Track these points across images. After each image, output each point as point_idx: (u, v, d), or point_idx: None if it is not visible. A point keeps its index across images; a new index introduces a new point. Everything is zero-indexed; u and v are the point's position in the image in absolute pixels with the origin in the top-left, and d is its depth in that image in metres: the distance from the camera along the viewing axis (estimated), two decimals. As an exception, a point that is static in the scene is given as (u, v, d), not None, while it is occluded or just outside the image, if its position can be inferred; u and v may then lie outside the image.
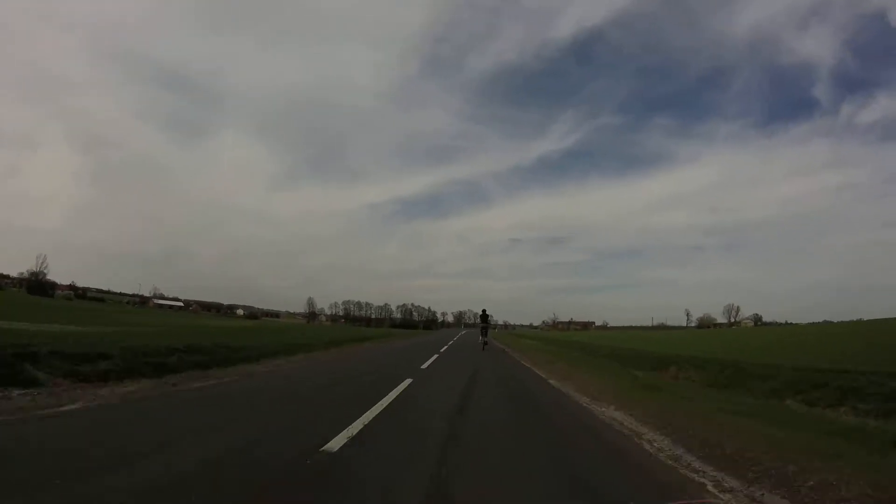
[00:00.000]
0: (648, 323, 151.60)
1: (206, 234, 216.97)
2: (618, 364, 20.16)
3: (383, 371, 12.23)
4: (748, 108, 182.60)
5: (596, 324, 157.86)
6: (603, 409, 8.09)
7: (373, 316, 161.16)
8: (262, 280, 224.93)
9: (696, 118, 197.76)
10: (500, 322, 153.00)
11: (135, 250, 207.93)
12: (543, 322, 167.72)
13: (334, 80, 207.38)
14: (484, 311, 27.19)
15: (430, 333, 76.94)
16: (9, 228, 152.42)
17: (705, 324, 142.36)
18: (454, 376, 11.92)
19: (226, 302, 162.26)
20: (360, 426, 5.53)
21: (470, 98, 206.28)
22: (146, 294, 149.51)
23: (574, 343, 37.36)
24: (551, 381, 12.01)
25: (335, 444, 4.71)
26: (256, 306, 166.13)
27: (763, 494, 3.87)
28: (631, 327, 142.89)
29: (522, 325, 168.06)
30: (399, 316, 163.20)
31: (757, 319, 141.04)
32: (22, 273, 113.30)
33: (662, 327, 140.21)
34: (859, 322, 56.78)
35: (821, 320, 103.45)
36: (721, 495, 3.90)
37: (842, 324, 60.11)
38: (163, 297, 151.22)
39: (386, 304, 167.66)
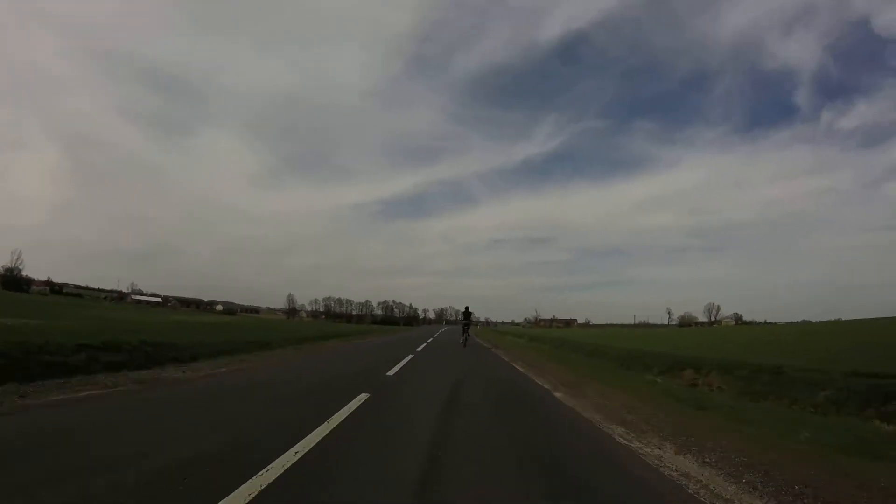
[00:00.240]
0: (630, 321, 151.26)
1: (190, 232, 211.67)
2: (619, 365, 17.45)
3: (336, 381, 9.09)
4: (731, 112, 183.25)
5: (578, 321, 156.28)
6: (657, 451, 5.06)
7: (354, 312, 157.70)
8: (245, 277, 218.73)
9: (679, 122, 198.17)
10: (482, 319, 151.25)
11: (118, 248, 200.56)
12: (525, 319, 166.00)
13: (320, 79, 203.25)
14: (467, 308, 27.21)
15: (408, 330, 73.83)
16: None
17: (686, 322, 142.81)
18: (430, 387, 8.92)
19: (205, 298, 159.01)
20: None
21: (455, 98, 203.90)
22: (125, 290, 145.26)
23: (561, 340, 34.58)
24: (557, 395, 8.99)
25: None
26: (237, 303, 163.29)
27: None
28: (612, 325, 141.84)
29: (504, 323, 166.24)
30: (380, 313, 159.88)
31: (737, 318, 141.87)
32: None
33: (644, 325, 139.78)
34: (838, 322, 56.25)
35: (799, 320, 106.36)
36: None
37: (821, 323, 59.06)
38: (141, 294, 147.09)
39: (367, 300, 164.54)
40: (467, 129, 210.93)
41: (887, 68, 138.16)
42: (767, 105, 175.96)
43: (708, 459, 4.67)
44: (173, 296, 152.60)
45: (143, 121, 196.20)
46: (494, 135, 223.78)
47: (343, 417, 5.56)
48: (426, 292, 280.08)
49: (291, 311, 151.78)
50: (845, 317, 70.88)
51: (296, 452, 4.07)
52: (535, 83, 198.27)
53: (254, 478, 3.36)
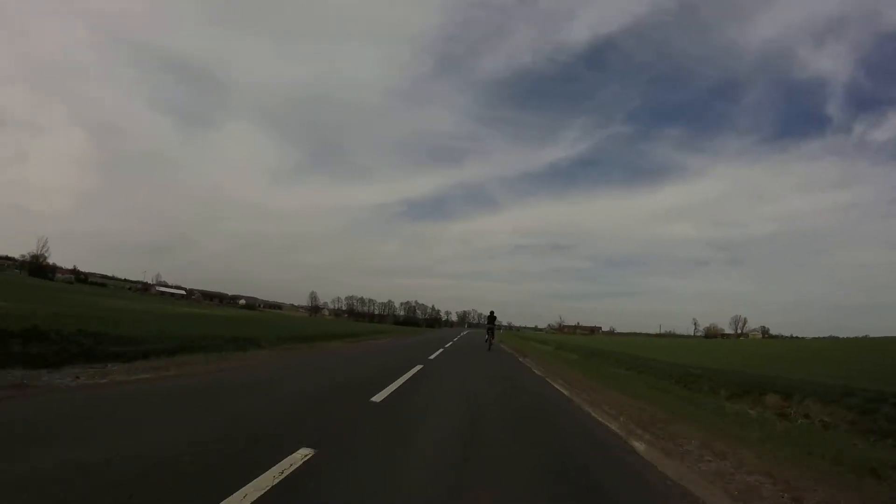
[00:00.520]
0: (654, 330, 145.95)
1: (214, 226, 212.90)
2: (674, 383, 13.93)
3: (302, 406, 5.88)
4: (759, 122, 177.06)
5: (602, 329, 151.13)
6: None
7: (376, 312, 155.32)
8: (268, 274, 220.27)
9: (706, 130, 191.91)
10: (505, 323, 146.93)
11: (145, 240, 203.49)
12: (549, 325, 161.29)
13: (342, 76, 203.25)
14: (492, 312, 26.93)
15: (429, 332, 70.41)
16: (17, 212, 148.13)
17: (712, 334, 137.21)
18: (435, 428, 5.55)
19: (230, 293, 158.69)
20: None
21: (479, 100, 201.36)
22: (149, 282, 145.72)
23: (591, 349, 30.89)
24: (638, 447, 5.45)
25: None
26: (260, 298, 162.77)
27: None
28: (637, 333, 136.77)
29: (526, 328, 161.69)
30: (402, 313, 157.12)
31: (764, 332, 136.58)
32: (24, 256, 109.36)
33: (670, 335, 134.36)
34: (866, 338, 52.60)
35: (826, 335, 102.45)
36: None
37: (849, 340, 56.24)
38: (165, 285, 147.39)
39: (389, 300, 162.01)
40: (491, 131, 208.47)
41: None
42: (797, 115, 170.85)
43: None
44: (198, 289, 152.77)
45: (168, 113, 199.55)
46: (518, 138, 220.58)
47: None
48: (448, 294, 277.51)
49: (314, 309, 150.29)
50: (872, 333, 66.44)
51: None
52: (561, 87, 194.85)
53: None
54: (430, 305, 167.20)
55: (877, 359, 20.92)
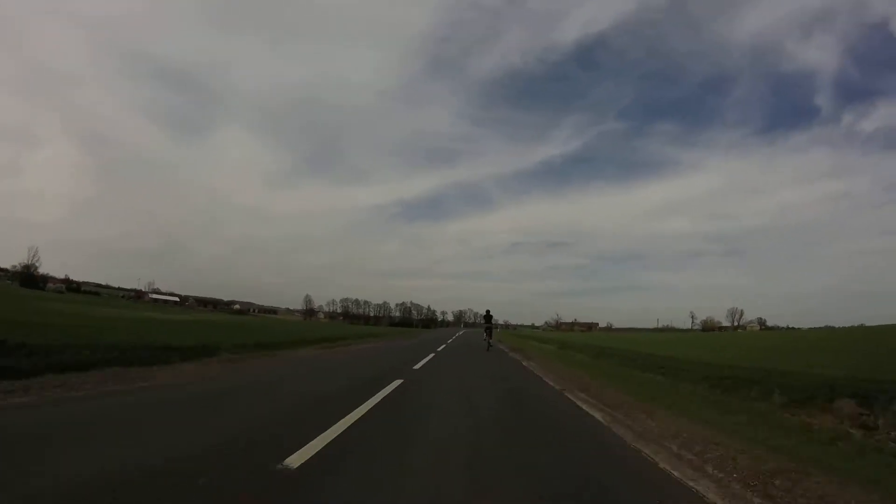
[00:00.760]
0: (651, 325, 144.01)
1: (209, 232, 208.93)
2: (710, 387, 11.13)
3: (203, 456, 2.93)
4: (750, 115, 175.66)
5: (599, 325, 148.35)
6: None
7: (371, 314, 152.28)
8: (264, 278, 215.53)
9: (698, 125, 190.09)
10: (501, 322, 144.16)
11: (140, 247, 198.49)
12: (546, 322, 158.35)
13: (336, 78, 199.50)
14: (488, 311, 27.01)
15: (424, 333, 67.24)
16: (12, 223, 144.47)
17: (709, 327, 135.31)
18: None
19: (225, 298, 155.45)
20: None
21: (473, 100, 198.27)
22: (143, 289, 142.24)
23: (599, 348, 27.98)
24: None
25: None
26: (257, 303, 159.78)
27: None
28: (635, 329, 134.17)
29: (523, 326, 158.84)
30: (398, 314, 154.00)
31: (762, 323, 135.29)
32: (15, 266, 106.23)
33: (668, 329, 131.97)
34: (862, 327, 51.76)
35: (821, 325, 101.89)
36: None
37: (844, 329, 55.54)
38: (158, 293, 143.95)
39: (385, 302, 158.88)
40: (485, 131, 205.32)
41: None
42: (786, 108, 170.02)
43: None
44: (192, 295, 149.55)
45: (159, 119, 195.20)
46: (512, 137, 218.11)
47: None
48: (444, 294, 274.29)
49: (309, 312, 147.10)
50: (868, 322, 65.51)
51: None
52: (553, 86, 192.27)
53: None
54: (425, 306, 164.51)
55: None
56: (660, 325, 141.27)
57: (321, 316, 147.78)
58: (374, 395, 7.11)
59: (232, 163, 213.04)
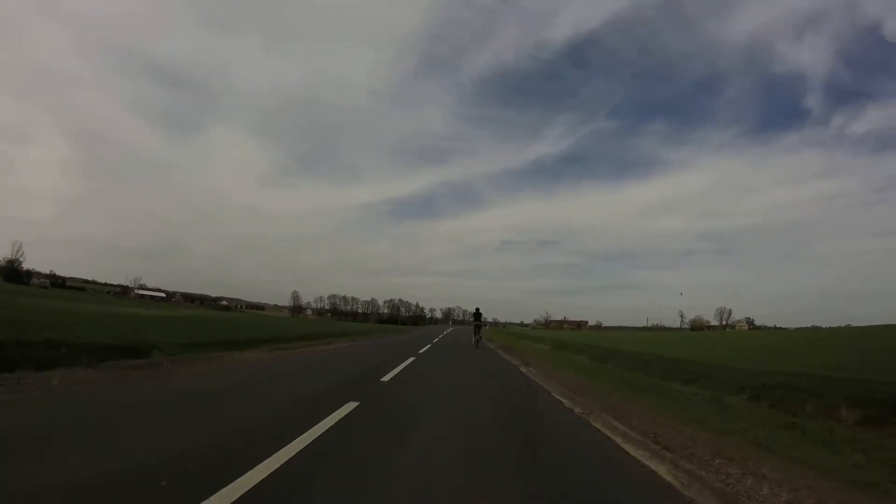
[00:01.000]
0: (640, 323, 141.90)
1: (200, 230, 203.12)
2: (749, 399, 8.75)
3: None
4: (741, 115, 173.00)
5: (589, 323, 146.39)
6: None
7: (359, 310, 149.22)
8: (253, 275, 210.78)
9: (689, 124, 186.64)
10: (490, 320, 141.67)
11: (129, 244, 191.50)
12: (535, 321, 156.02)
13: (329, 78, 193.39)
14: (477, 309, 27.21)
15: (412, 330, 64.38)
16: (4, 220, 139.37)
17: (698, 326, 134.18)
18: None
19: (213, 294, 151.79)
20: None
21: (465, 99, 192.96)
22: (130, 285, 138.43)
23: (603, 350, 25.46)
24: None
25: None
26: (245, 299, 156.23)
27: None
28: (624, 328, 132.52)
29: (513, 323, 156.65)
30: (386, 311, 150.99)
31: (750, 322, 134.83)
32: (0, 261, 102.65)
33: (657, 328, 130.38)
34: (848, 328, 52.09)
35: (808, 325, 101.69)
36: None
37: (830, 329, 55.80)
38: (145, 288, 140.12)
39: (373, 298, 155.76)
40: (477, 129, 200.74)
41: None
42: (778, 108, 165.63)
43: None
44: (181, 291, 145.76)
45: (154, 117, 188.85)
46: (504, 136, 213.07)
47: None
48: (433, 292, 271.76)
49: (297, 309, 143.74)
50: (854, 323, 65.59)
51: None
52: (546, 84, 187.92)
53: None
54: (414, 303, 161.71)
55: None
56: (649, 324, 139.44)
57: (309, 312, 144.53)
58: (294, 438, 4.33)
59: (224, 161, 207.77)
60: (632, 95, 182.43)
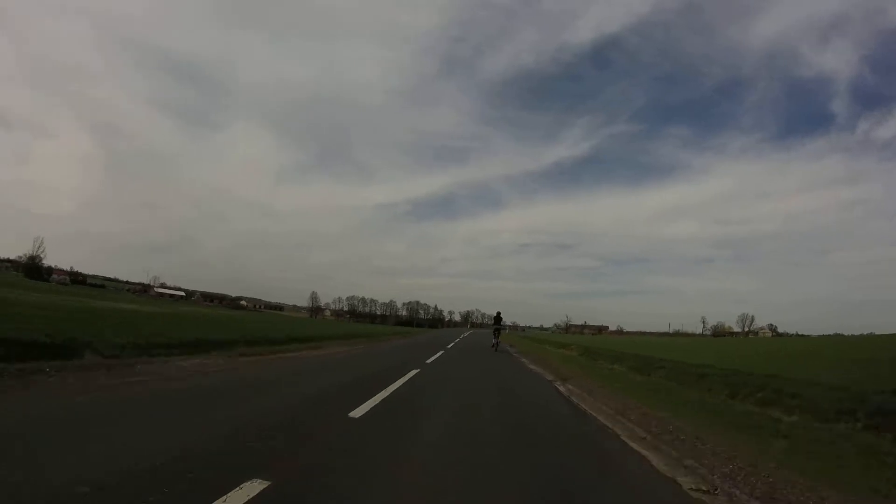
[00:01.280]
0: (661, 328, 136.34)
1: (218, 227, 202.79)
2: None
3: None
4: (764, 120, 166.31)
5: (610, 328, 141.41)
6: None
7: (378, 312, 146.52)
8: (272, 275, 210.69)
9: (710, 129, 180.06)
10: (510, 323, 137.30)
11: (151, 241, 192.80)
12: (555, 325, 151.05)
13: (346, 76, 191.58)
14: (498, 313, 26.64)
15: (428, 333, 60.87)
16: (23, 215, 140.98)
17: (720, 332, 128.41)
18: None
19: (232, 294, 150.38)
20: None
21: (484, 99, 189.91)
22: (150, 283, 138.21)
23: (620, 355, 21.86)
24: None
25: None
26: (264, 300, 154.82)
27: None
28: (645, 332, 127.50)
29: (532, 327, 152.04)
30: (405, 313, 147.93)
31: (773, 329, 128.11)
32: (20, 257, 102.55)
33: (680, 334, 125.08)
34: (872, 336, 47.00)
35: (831, 332, 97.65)
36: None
37: (854, 337, 51.07)
38: (165, 287, 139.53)
39: (391, 300, 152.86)
40: (495, 130, 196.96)
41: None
42: (802, 114, 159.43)
43: None
44: (200, 290, 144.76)
45: (173, 114, 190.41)
46: (522, 137, 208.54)
47: None
48: (451, 293, 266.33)
49: (315, 310, 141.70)
50: (877, 330, 61.13)
51: None
52: (565, 86, 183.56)
53: None
54: (432, 305, 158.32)
55: None
56: (670, 330, 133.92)
57: (327, 313, 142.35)
58: None
59: (242, 159, 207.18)
60: (652, 99, 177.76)
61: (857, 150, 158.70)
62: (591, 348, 29.41)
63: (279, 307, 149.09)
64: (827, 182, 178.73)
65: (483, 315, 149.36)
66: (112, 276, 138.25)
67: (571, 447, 5.31)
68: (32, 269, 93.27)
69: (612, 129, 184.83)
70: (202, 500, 2.70)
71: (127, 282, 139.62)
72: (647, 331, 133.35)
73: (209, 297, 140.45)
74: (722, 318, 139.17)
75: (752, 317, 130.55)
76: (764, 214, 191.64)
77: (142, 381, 6.84)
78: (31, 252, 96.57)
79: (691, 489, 3.92)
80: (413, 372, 10.38)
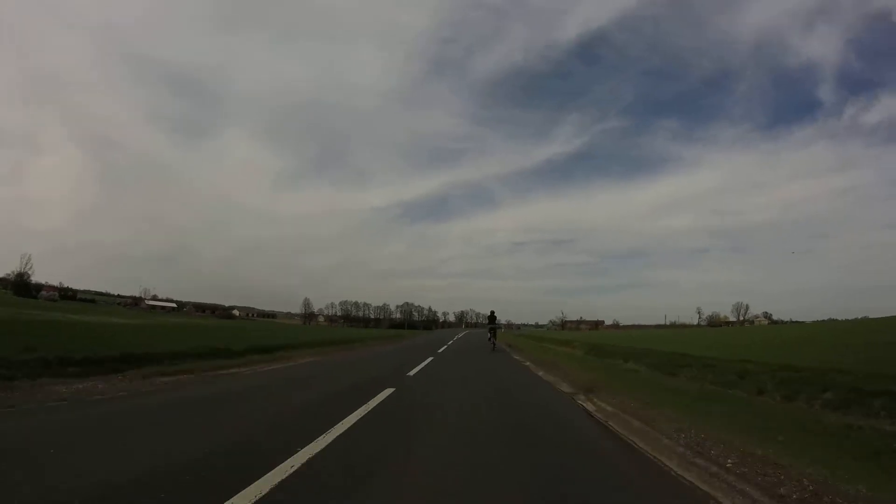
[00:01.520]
0: (657, 321, 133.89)
1: (211, 236, 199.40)
2: None
3: None
4: (752, 110, 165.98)
5: (606, 323, 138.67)
6: None
7: (372, 316, 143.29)
8: (266, 281, 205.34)
9: (700, 121, 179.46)
10: (504, 321, 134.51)
11: (142, 253, 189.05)
12: (551, 321, 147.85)
13: (339, 81, 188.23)
14: (492, 312, 25.93)
15: (420, 335, 57.41)
16: (11, 229, 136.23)
17: (716, 323, 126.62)
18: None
19: (227, 303, 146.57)
20: None
21: (475, 100, 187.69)
22: (141, 296, 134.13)
23: (632, 351, 19.09)
24: None
25: None
26: (257, 308, 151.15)
27: None
28: (642, 326, 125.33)
29: (527, 325, 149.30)
30: (399, 316, 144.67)
31: (768, 317, 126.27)
32: (9, 274, 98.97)
33: (677, 326, 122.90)
34: (866, 319, 49.83)
35: (825, 318, 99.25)
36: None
37: (847, 321, 53.73)
38: (156, 299, 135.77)
39: (385, 304, 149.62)
40: (487, 130, 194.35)
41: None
42: (789, 102, 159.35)
43: None
44: (191, 300, 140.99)
45: (164, 123, 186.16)
46: (515, 136, 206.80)
47: None
48: (446, 295, 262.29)
49: (309, 316, 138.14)
50: (871, 314, 62.86)
51: None
52: (556, 84, 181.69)
53: None
54: (426, 307, 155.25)
55: None
56: (666, 322, 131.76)
57: (321, 319, 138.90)
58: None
59: (235, 165, 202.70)
60: (642, 93, 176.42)
61: (844, 136, 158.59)
62: (596, 345, 26.58)
63: (272, 315, 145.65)
64: (818, 169, 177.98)
65: (478, 315, 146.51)
66: (104, 291, 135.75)
67: None
68: (20, 286, 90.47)
69: (604, 125, 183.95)
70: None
71: (118, 295, 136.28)
72: (644, 324, 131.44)
73: (201, 308, 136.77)
74: (717, 309, 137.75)
75: (747, 305, 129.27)
76: (757, 204, 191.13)
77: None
78: (18, 269, 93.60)
79: None
80: (385, 394, 7.49)
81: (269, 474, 3.44)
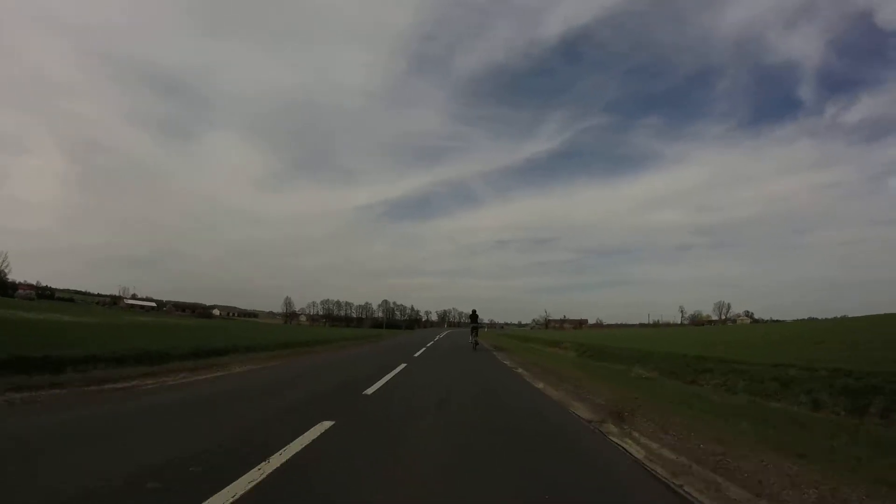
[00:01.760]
0: (640, 320, 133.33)
1: (195, 236, 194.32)
2: None
3: None
4: (735, 108, 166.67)
5: (589, 322, 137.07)
6: None
7: (354, 315, 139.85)
8: (248, 281, 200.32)
9: (683, 118, 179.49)
10: (487, 320, 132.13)
11: (123, 253, 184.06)
12: (534, 321, 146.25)
13: (323, 81, 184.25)
14: (474, 311, 25.46)
15: (400, 335, 54.56)
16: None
17: (699, 321, 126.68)
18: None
19: (209, 303, 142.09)
20: None
21: (459, 98, 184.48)
22: (121, 295, 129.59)
23: (629, 353, 16.72)
24: None
25: None
26: (240, 307, 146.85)
27: None
28: (626, 325, 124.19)
29: (510, 324, 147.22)
30: (381, 315, 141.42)
31: (750, 316, 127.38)
32: None
33: (659, 325, 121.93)
34: (845, 318, 47.96)
35: (805, 317, 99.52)
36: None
37: (827, 320, 52.02)
38: (135, 298, 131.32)
39: (367, 303, 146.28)
40: (471, 128, 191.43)
41: (890, 62, 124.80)
42: (771, 100, 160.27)
43: None
44: (175, 300, 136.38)
45: (147, 123, 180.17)
46: (499, 134, 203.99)
47: None
48: (429, 293, 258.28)
49: (290, 315, 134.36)
50: (851, 313, 63.04)
51: None
52: (539, 81, 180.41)
53: None
54: (408, 306, 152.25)
55: None
56: (649, 321, 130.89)
57: (303, 319, 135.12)
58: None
59: (219, 166, 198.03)
60: (625, 91, 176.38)
61: (825, 135, 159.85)
62: (588, 346, 24.14)
63: (254, 314, 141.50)
64: (800, 166, 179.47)
65: (460, 314, 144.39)
66: (85, 290, 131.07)
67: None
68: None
69: (587, 122, 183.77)
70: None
71: (98, 294, 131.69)
72: (627, 322, 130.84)
73: (182, 307, 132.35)
74: (698, 307, 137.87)
75: (729, 304, 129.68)
76: (740, 201, 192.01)
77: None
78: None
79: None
80: (310, 436, 4.81)
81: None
